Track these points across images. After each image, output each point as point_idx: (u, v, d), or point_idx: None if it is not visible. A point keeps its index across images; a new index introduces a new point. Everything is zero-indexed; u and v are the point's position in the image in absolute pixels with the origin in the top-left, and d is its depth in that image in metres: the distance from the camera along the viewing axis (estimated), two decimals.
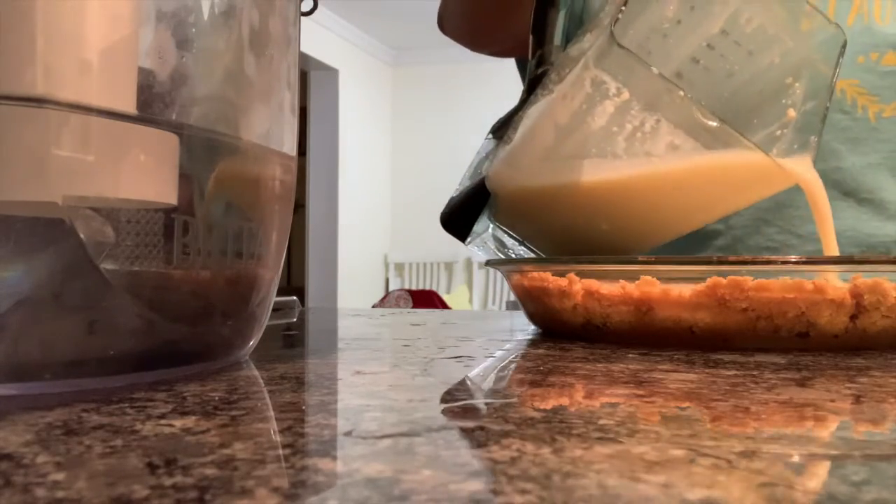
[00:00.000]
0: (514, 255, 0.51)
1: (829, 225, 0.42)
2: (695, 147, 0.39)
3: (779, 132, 0.46)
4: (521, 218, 0.49)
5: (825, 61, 0.45)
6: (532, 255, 0.50)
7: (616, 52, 0.38)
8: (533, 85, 0.50)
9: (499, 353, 0.34)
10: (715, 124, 0.38)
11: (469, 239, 0.52)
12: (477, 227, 0.51)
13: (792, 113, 0.46)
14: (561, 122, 0.44)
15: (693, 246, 0.65)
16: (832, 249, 0.42)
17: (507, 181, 0.48)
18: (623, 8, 0.40)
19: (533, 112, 0.46)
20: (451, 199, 0.53)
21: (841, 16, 0.59)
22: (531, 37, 0.53)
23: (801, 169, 0.42)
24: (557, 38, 0.52)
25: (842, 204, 0.59)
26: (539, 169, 0.46)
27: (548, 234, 0.49)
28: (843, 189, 0.59)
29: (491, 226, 0.50)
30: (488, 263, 0.48)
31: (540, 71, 0.51)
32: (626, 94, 0.40)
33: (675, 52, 0.48)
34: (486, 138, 0.53)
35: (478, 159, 0.53)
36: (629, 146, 0.41)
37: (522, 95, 0.52)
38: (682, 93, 0.38)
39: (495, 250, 0.52)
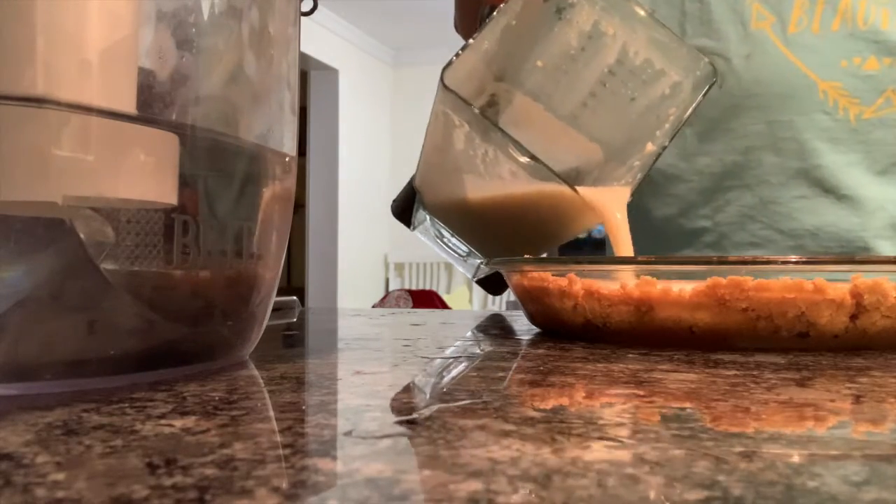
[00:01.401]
0: (450, 245, 0.55)
1: (622, 247, 0.46)
2: (527, 176, 0.44)
3: (636, 163, 0.50)
4: (439, 214, 0.54)
5: (690, 99, 0.49)
6: (463, 248, 0.54)
7: (448, 93, 0.43)
8: None
9: (499, 353, 0.34)
10: (526, 160, 0.42)
11: (413, 226, 0.56)
12: (418, 216, 0.55)
13: (650, 147, 0.49)
14: (437, 143, 0.50)
15: (681, 243, 0.67)
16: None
17: (423, 187, 0.54)
18: (459, 52, 0.44)
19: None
20: (402, 189, 0.57)
21: (826, 22, 0.61)
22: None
23: (608, 202, 0.45)
24: None
25: (822, 200, 0.62)
26: (436, 182, 0.53)
27: (462, 230, 0.54)
28: (823, 186, 0.62)
29: (428, 217, 0.54)
30: (488, 264, 0.48)
31: None
32: (466, 127, 0.45)
33: (584, 75, 0.52)
34: None
35: None
36: (485, 168, 0.46)
37: None
38: (498, 133, 0.43)
39: (436, 238, 0.56)
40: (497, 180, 0.47)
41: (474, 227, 0.52)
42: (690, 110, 0.48)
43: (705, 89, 0.48)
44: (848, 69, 0.61)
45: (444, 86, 0.42)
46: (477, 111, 0.43)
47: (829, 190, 0.62)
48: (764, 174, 0.63)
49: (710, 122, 0.65)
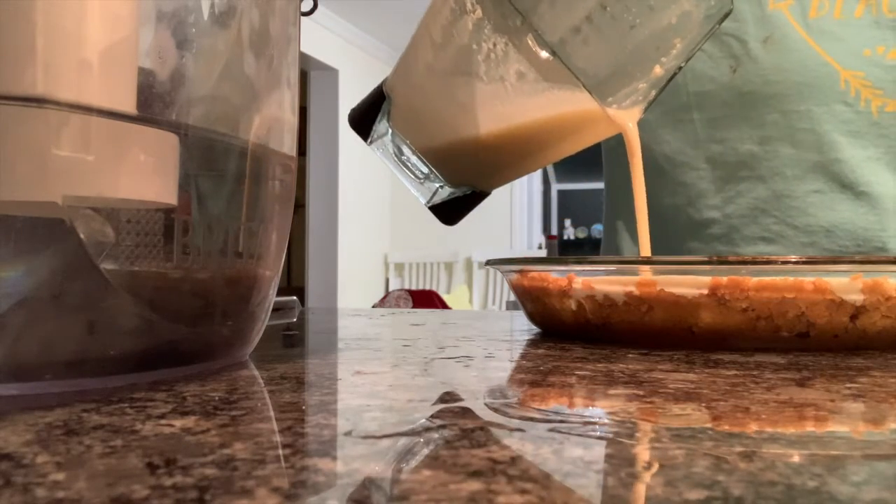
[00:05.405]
0: (408, 165, 0.51)
1: (640, 172, 0.43)
2: (536, 78, 0.40)
3: (641, 85, 0.46)
4: (409, 125, 0.50)
5: (702, 27, 0.44)
6: (423, 168, 0.50)
7: None
8: None
9: (498, 353, 0.34)
10: (545, 55, 0.38)
11: (370, 139, 0.52)
12: (378, 128, 0.50)
13: (658, 70, 0.45)
14: (435, 38, 0.45)
15: (688, 234, 0.65)
16: (641, 197, 0.44)
17: (398, 90, 0.49)
18: None
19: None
20: (366, 96, 0.52)
21: (849, 8, 0.58)
22: None
23: (625, 117, 0.42)
24: None
25: (839, 196, 0.59)
26: (421, 86, 0.47)
27: (431, 147, 0.49)
28: (841, 182, 0.59)
29: (390, 130, 0.50)
30: (488, 263, 0.48)
31: None
32: (479, 12, 0.40)
33: None
34: None
35: None
36: (488, 68, 0.42)
37: None
38: (518, 20, 0.38)
39: (394, 156, 0.51)
40: (497, 83, 0.42)
41: (448, 139, 0.47)
42: (703, 39, 0.44)
43: (720, 18, 0.44)
44: (871, 58, 0.58)
45: None
46: None
47: (846, 185, 0.59)
48: (779, 166, 0.60)
49: (723, 109, 0.61)
